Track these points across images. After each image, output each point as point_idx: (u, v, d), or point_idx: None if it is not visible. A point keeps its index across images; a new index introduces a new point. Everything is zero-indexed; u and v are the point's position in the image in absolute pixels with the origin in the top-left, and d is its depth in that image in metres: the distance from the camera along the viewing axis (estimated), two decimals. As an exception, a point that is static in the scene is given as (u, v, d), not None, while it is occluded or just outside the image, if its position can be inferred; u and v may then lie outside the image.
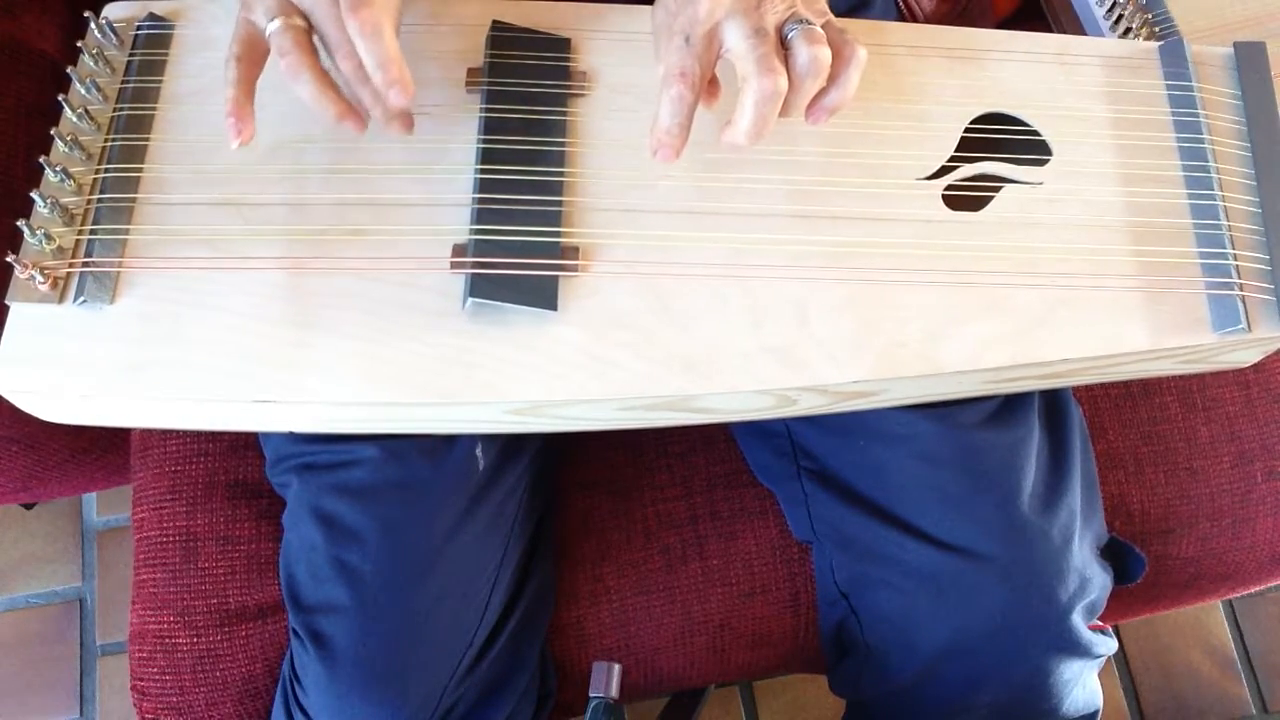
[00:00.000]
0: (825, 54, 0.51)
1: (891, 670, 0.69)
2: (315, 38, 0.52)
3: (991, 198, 0.59)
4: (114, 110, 0.58)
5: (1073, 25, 0.81)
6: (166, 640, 0.70)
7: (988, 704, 0.68)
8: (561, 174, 0.57)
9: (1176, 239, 0.59)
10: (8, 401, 0.54)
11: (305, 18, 0.52)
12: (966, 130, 0.61)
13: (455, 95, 0.60)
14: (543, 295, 0.54)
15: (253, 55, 0.52)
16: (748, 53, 0.50)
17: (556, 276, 0.55)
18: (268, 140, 0.57)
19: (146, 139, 0.58)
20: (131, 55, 0.60)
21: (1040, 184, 0.60)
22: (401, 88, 0.51)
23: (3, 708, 1.13)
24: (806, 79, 0.51)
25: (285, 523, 0.68)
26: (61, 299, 0.53)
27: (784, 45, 0.52)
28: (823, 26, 0.52)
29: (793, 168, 0.59)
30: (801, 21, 0.52)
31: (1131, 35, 0.76)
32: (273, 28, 0.51)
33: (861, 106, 0.60)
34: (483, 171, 0.57)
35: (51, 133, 0.56)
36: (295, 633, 0.64)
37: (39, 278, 0.53)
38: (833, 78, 0.52)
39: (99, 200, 0.56)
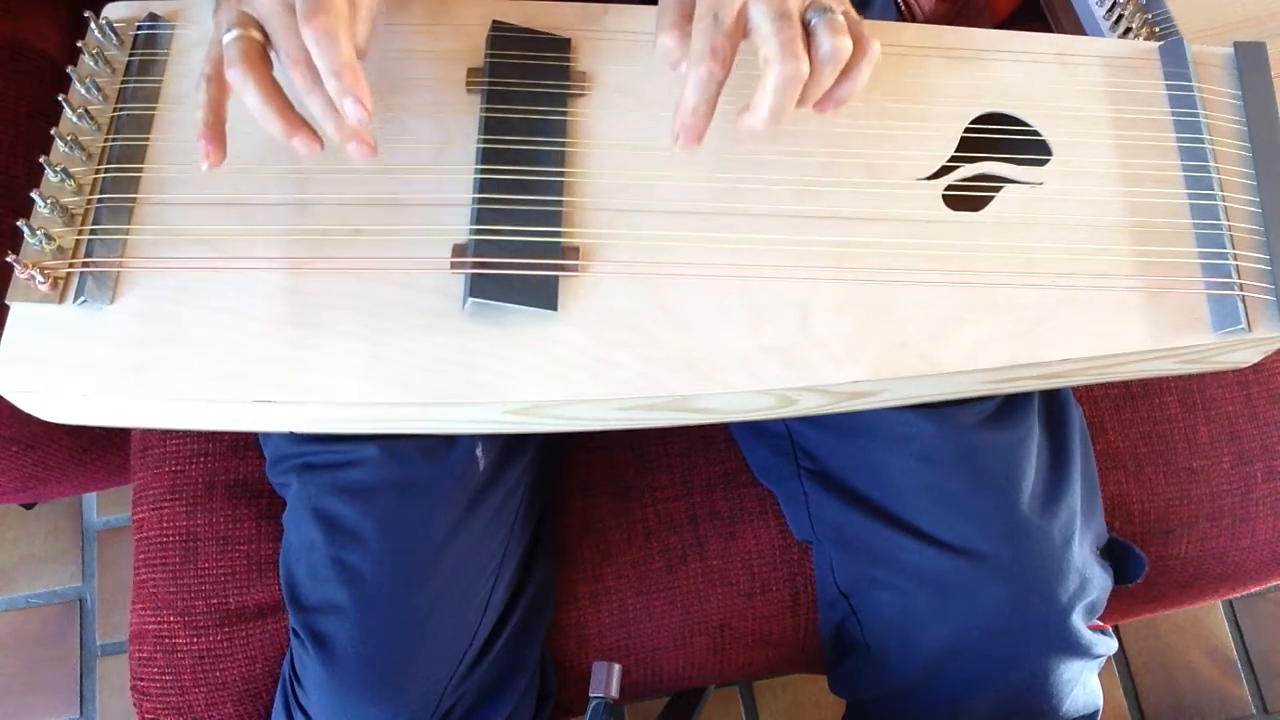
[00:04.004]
0: (847, 44, 0.51)
1: (892, 670, 0.69)
2: (273, 52, 0.52)
3: (992, 198, 0.59)
4: (114, 110, 0.58)
5: (1073, 25, 0.81)
6: (166, 640, 0.70)
7: (988, 704, 0.68)
8: (561, 174, 0.57)
9: (1176, 239, 0.59)
10: (8, 401, 0.54)
11: (262, 30, 0.51)
12: (967, 130, 0.61)
13: (455, 95, 0.60)
14: (543, 295, 0.54)
15: (223, 75, 0.51)
16: (773, 34, 0.50)
17: (556, 276, 0.55)
18: (268, 140, 0.57)
19: (146, 139, 0.58)
20: (131, 55, 0.60)
21: (1040, 184, 0.60)
22: (356, 98, 0.49)
23: (3, 708, 1.13)
24: (826, 67, 0.51)
25: (285, 523, 0.68)
26: (61, 299, 0.53)
27: (806, 31, 0.52)
28: (841, 15, 0.52)
29: (793, 168, 0.59)
30: (824, 10, 0.51)
31: (1131, 35, 0.76)
32: (227, 39, 0.51)
33: (861, 106, 0.60)
34: (483, 171, 0.57)
35: (52, 133, 0.56)
36: (295, 633, 0.64)
37: (39, 278, 0.53)
38: (846, 70, 0.52)
39: (99, 200, 0.56)
